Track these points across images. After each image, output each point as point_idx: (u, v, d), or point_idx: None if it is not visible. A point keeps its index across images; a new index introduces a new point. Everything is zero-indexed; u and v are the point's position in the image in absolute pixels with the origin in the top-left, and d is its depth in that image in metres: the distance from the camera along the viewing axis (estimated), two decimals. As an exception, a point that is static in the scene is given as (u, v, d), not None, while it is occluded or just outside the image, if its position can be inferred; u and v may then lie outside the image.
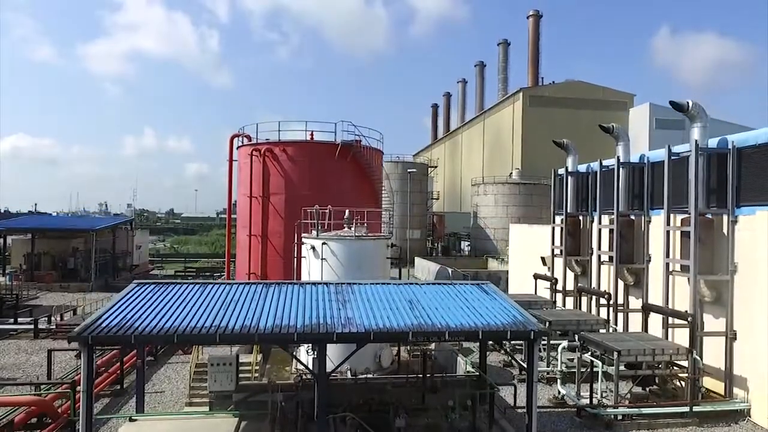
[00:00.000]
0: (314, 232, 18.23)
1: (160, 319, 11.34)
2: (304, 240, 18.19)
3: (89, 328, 10.74)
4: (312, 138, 28.71)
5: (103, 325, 10.99)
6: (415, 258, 51.02)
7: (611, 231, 20.38)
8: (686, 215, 16.73)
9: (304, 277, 18.26)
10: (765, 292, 14.64)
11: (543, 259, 27.25)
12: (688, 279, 16.18)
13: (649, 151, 20.71)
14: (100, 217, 50.84)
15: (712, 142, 16.99)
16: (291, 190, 24.92)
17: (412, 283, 15.14)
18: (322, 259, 17.27)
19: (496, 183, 67.44)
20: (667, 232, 17.25)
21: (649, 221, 19.64)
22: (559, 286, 24.52)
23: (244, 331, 10.96)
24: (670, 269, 17.17)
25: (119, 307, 12.09)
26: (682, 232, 16.71)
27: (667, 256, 17.17)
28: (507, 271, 36.55)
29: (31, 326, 25.22)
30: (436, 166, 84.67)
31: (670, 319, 16.58)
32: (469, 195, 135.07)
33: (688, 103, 16.71)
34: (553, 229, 25.32)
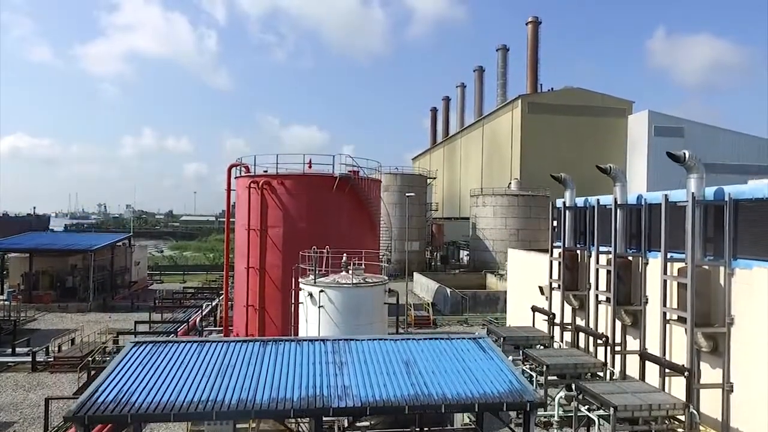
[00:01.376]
0: (312, 277, 18.24)
1: (157, 392, 11.34)
2: (302, 286, 18.19)
3: (85, 406, 10.74)
4: (310, 166, 28.75)
5: (99, 401, 10.97)
6: (414, 274, 51.04)
7: (608, 272, 20.39)
8: (683, 264, 16.74)
9: (302, 323, 18.25)
10: (762, 346, 14.67)
11: (541, 288, 27.25)
12: (685, 329, 16.20)
13: (646, 192, 20.70)
14: (98, 234, 50.80)
15: (709, 192, 17.00)
16: (289, 223, 24.95)
17: (408, 338, 15.15)
18: (319, 306, 17.28)
19: (495, 195, 67.47)
20: (664, 281, 17.26)
21: (647, 263, 19.63)
22: (558, 319, 24.53)
23: (241, 407, 10.97)
24: (667, 318, 17.20)
25: (115, 376, 12.08)
26: (678, 282, 16.72)
27: (664, 305, 17.18)
28: (505, 292, 36.61)
29: (29, 358, 25.20)
30: (435, 177, 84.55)
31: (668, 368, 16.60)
32: (468, 200, 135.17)
33: (684, 154, 16.73)
34: (551, 262, 25.33)
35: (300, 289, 18.23)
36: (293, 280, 19.19)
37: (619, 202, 20.40)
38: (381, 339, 14.85)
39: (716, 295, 16.29)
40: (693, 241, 16.24)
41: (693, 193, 16.29)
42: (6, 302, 39.73)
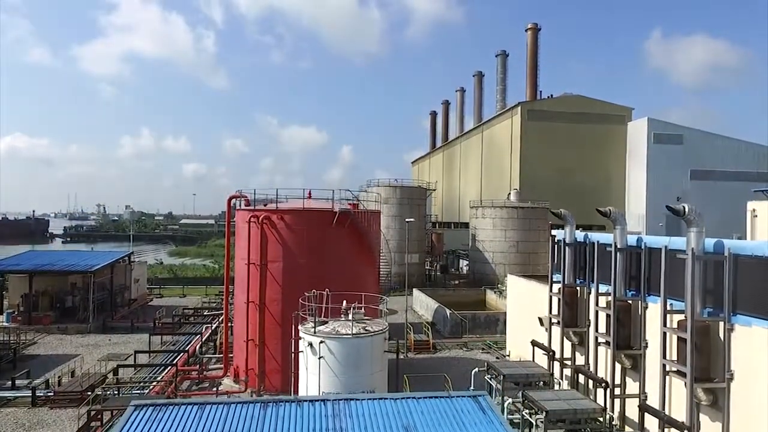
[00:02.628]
0: (311, 325, 18.25)
1: (157, 470, 11.35)
2: (301, 334, 18.18)
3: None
4: (310, 196, 28.77)
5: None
6: (414, 290, 51.04)
7: (608, 315, 20.42)
8: (682, 316, 16.75)
9: (302, 372, 18.23)
10: (762, 403, 14.70)
11: (540, 319, 27.27)
12: (685, 383, 16.23)
13: (645, 236, 20.69)
14: (97, 253, 50.68)
15: (709, 243, 17.00)
16: (289, 258, 24.95)
17: (408, 397, 15.17)
18: (319, 357, 17.29)
19: (495, 206, 67.49)
20: (664, 333, 17.28)
21: (646, 307, 19.66)
22: (558, 354, 24.55)
23: (241, 488, 11.00)
24: (667, 370, 17.22)
25: (116, 450, 12.09)
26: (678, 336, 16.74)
27: (664, 356, 17.21)
28: (505, 313, 36.61)
29: (29, 392, 25.19)
30: (434, 189, 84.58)
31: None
32: (467, 206, 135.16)
33: (684, 207, 16.73)
34: (551, 297, 25.35)
35: (300, 338, 18.23)
36: (293, 327, 19.18)
37: (618, 246, 20.40)
38: (381, 399, 14.87)
39: (716, 349, 16.30)
40: (693, 297, 16.25)
41: (693, 248, 16.29)
42: (5, 324, 39.80)
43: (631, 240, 21.09)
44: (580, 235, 25.10)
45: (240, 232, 26.36)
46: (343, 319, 18.71)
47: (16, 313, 40.38)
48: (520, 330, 31.76)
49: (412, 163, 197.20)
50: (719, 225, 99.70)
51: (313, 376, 17.44)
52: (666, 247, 17.67)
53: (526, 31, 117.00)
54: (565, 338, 24.33)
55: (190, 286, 61.69)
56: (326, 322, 18.65)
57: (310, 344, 17.61)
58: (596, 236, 23.79)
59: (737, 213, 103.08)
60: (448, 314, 39.14)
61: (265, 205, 26.02)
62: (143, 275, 51.81)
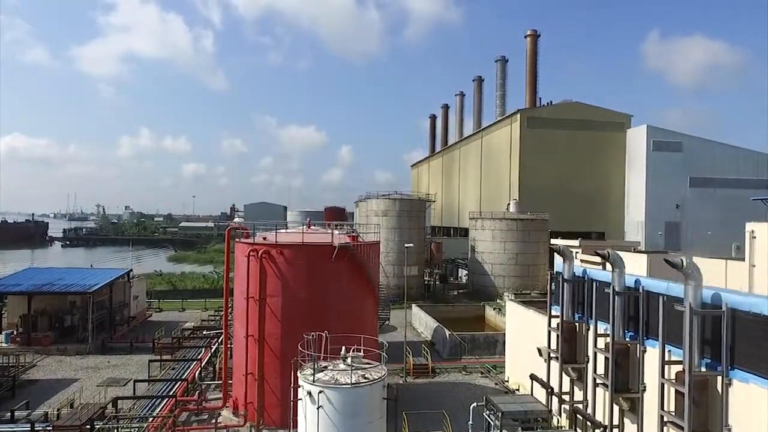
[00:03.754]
0: (310, 371, 18.25)
1: None
2: (300, 382, 18.19)
3: None
4: (309, 226, 28.78)
5: None
6: (414, 306, 51.05)
7: (606, 358, 20.46)
8: (680, 367, 16.78)
9: (301, 420, 18.25)
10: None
11: (539, 350, 27.31)
12: (683, 436, 16.27)
13: (644, 279, 20.71)
14: (96, 270, 50.78)
15: (707, 294, 17.04)
16: (288, 293, 24.96)
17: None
18: (318, 407, 17.31)
19: (494, 218, 67.51)
20: (662, 384, 17.32)
21: (644, 351, 19.71)
22: (556, 389, 24.60)
23: None
24: (665, 421, 17.26)
25: None
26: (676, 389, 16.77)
27: (662, 407, 17.24)
28: (504, 334, 36.64)
29: (28, 426, 25.19)
30: (434, 201, 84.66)
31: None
32: (466, 211, 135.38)
33: (682, 260, 16.75)
34: (549, 332, 25.39)
35: (299, 386, 18.23)
36: (292, 372, 19.18)
37: (617, 290, 20.43)
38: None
39: (714, 403, 16.33)
40: (691, 350, 16.29)
41: (690, 303, 16.32)
42: (4, 344, 39.83)
43: (630, 281, 21.12)
44: (579, 270, 25.14)
45: (239, 265, 26.36)
46: (342, 366, 18.71)
47: (15, 333, 40.40)
48: (519, 356, 31.83)
49: (412, 166, 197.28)
50: (718, 230, 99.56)
51: (312, 425, 17.46)
52: (664, 298, 17.67)
53: (525, 37, 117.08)
54: (563, 373, 24.38)
55: (189, 299, 61.75)
56: (325, 368, 18.65)
57: (309, 393, 17.62)
58: (595, 273, 23.84)
59: (736, 219, 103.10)
60: (448, 335, 39.19)
61: (264, 239, 26.01)
62: (142, 291, 51.82)
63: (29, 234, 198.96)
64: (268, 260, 25.01)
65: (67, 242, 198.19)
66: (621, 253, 74.45)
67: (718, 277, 56.32)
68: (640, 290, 20.16)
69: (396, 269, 64.85)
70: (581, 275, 24.75)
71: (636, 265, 73.93)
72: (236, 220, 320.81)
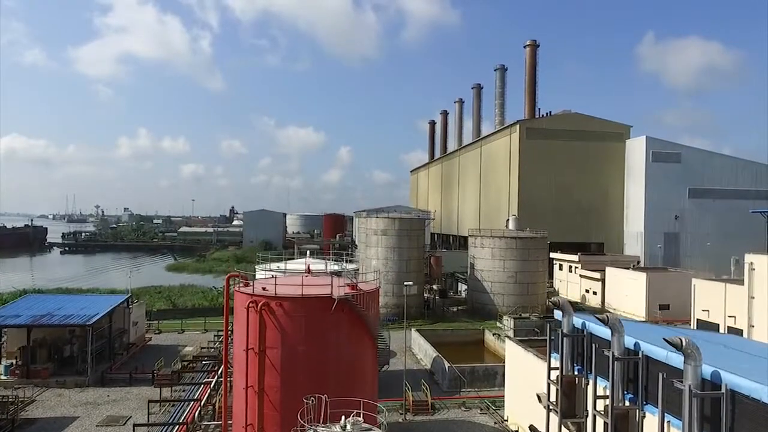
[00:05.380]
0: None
1: None
2: (300, 454, 18.18)
3: None
4: (309, 272, 28.76)
5: None
6: (413, 331, 51.04)
7: (605, 423, 20.47)
8: (681, 442, 16.80)
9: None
10: None
11: (539, 396, 27.31)
12: None
13: (644, 344, 20.68)
14: (96, 297, 50.77)
15: (706, 370, 17.03)
16: (287, 345, 24.91)
17: None
18: (318, 480, 17.31)
19: (493, 237, 67.55)
20: (662, 461, 17.35)
21: (644, 416, 19.74)
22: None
23: None
24: (665, 498, 17.30)
25: None
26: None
27: (662, 485, 17.29)
28: (503, 365, 36.62)
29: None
30: (433, 219, 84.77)
31: None
32: (465, 220, 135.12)
33: (681, 341, 16.74)
34: (549, 384, 25.39)
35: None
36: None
37: (616, 355, 20.42)
38: None
39: (714, 482, 16.37)
40: (690, 428, 16.30)
41: (690, 384, 16.32)
42: (3, 377, 39.82)
43: (629, 342, 21.10)
44: (578, 322, 25.12)
45: (239, 314, 26.30)
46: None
47: (14, 365, 40.37)
48: (519, 397, 31.83)
49: (411, 172, 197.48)
50: (717, 241, 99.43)
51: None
52: (664, 374, 17.66)
53: (524, 47, 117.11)
54: (563, 426, 24.39)
55: (188, 319, 61.88)
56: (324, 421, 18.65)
57: (309, 466, 17.62)
58: (594, 328, 23.81)
59: (735, 230, 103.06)
60: (447, 368, 39.22)
61: (264, 289, 25.95)
62: (142, 316, 51.82)
63: (28, 240, 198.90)
64: (268, 313, 24.96)
65: (66, 248, 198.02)
66: (620, 272, 75.31)
67: (717, 301, 56.56)
68: (640, 354, 20.18)
69: (395, 288, 64.86)
70: (580, 327, 24.74)
71: (635, 284, 73.76)
72: (235, 222, 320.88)
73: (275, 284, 25.61)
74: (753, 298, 39.57)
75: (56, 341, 42.93)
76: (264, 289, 26.00)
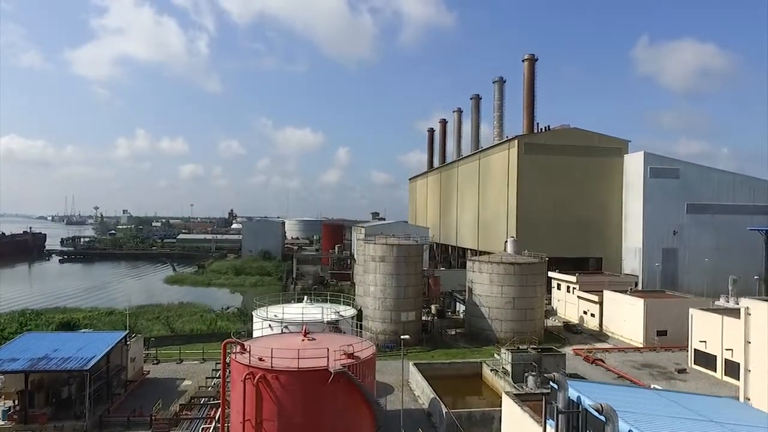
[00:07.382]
0: None
1: None
2: None
3: None
4: (305, 334, 28.82)
5: None
6: (410, 366, 51.02)
7: None
8: None
9: None
10: None
11: (535, 461, 27.41)
12: None
13: (638, 433, 20.76)
14: (95, 334, 50.79)
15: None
16: (284, 418, 25.03)
17: None
18: None
19: (491, 262, 67.54)
20: None
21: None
22: None
23: None
24: None
25: None
26: None
27: None
28: (500, 410, 36.70)
29: None
30: (432, 236, 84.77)
31: None
32: (464, 231, 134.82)
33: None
34: (546, 457, 25.46)
35: None
36: None
37: (612, 445, 20.45)
38: None
39: None
40: None
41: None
42: (1, 422, 39.83)
43: (624, 429, 21.15)
44: (573, 395, 25.16)
45: (236, 384, 26.39)
46: None
47: (11, 411, 40.38)
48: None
49: (410, 179, 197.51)
50: (715, 256, 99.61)
51: None
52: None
53: (522, 61, 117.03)
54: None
55: (186, 345, 62.01)
56: None
57: None
58: (589, 405, 23.82)
59: (733, 245, 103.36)
60: (444, 412, 39.26)
61: (260, 359, 26.00)
62: (139, 351, 51.77)
63: (27, 247, 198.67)
64: (264, 386, 25.05)
65: (65, 256, 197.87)
66: (617, 295, 75.10)
67: (715, 333, 56.42)
68: (635, 443, 20.24)
69: (393, 315, 64.94)
70: (576, 401, 24.78)
71: (633, 309, 73.63)
72: (234, 226, 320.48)
73: (272, 355, 25.64)
74: (749, 342, 39.68)
75: (54, 383, 42.83)
76: (261, 359, 26.05)
